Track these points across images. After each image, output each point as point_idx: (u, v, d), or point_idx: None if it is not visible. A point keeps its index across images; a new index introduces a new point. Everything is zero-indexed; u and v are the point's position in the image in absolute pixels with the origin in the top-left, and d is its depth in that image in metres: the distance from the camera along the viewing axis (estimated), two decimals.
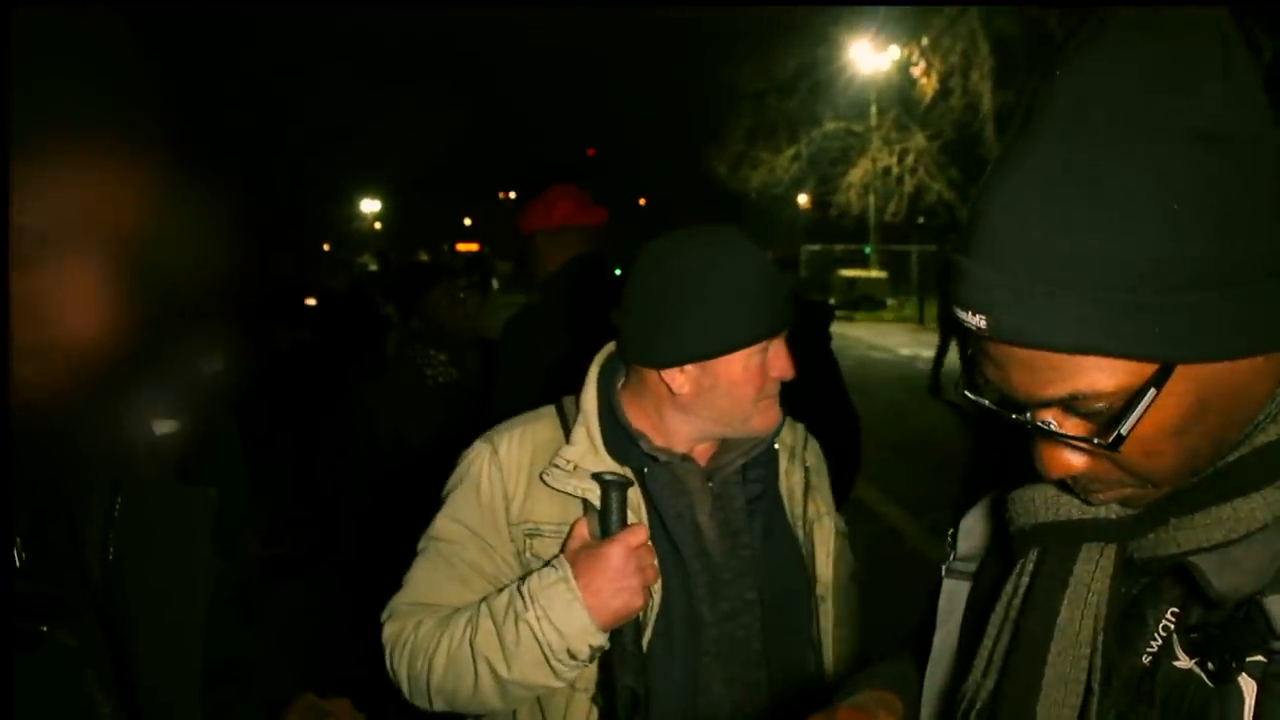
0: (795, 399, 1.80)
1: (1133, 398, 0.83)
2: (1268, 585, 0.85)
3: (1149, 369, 0.82)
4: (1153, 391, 0.82)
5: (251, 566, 3.66)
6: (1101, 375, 0.83)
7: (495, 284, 8.37)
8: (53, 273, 0.73)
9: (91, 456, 0.94)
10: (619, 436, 1.70)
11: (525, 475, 1.68)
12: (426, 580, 1.69)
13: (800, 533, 1.76)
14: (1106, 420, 0.85)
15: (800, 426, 1.86)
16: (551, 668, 1.56)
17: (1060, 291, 0.81)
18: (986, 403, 0.93)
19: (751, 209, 28.40)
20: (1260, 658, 0.85)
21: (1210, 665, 0.86)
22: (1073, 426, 0.89)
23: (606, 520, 1.61)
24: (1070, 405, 0.87)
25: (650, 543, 1.61)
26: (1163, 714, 0.90)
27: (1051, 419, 0.89)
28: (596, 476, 1.63)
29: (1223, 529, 0.88)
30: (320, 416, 4.40)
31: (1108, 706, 0.95)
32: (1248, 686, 0.85)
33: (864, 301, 29.91)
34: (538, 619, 1.55)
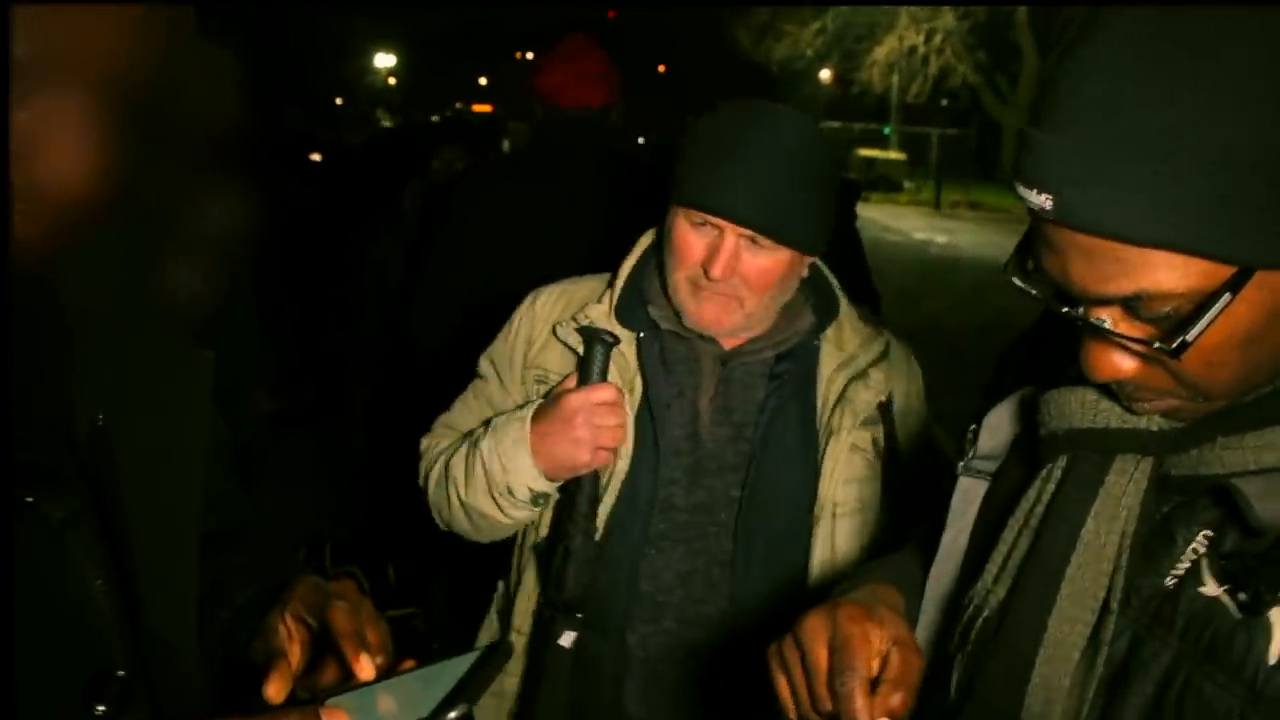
0: None
1: (1204, 302, 0.77)
2: None
3: (1225, 272, 0.76)
4: (1227, 296, 0.76)
5: (259, 422, 3.67)
6: (1173, 274, 0.77)
7: (506, 145, 8.22)
8: (37, 109, 0.67)
9: (82, 314, 0.89)
10: (632, 300, 1.67)
11: (549, 326, 1.72)
12: (458, 406, 1.81)
13: (820, 444, 1.63)
14: (1171, 324, 0.80)
15: (889, 342, 1.71)
16: (495, 500, 1.62)
17: (1141, 173, 0.74)
18: (1034, 292, 0.87)
19: (773, 82, 27.76)
20: None
21: (1241, 596, 0.82)
22: (1131, 328, 0.83)
23: (583, 374, 1.62)
24: (1132, 305, 0.81)
25: (628, 409, 1.60)
26: (1181, 640, 0.86)
27: (1108, 317, 0.83)
28: (581, 329, 1.65)
29: (1276, 453, 0.83)
30: (329, 270, 4.38)
31: (1123, 626, 0.91)
32: (1277, 620, 0.81)
33: (881, 182, 29.42)
34: (489, 449, 1.61)
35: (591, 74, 2.90)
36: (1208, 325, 0.78)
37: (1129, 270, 0.78)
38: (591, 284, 1.75)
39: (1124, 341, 0.84)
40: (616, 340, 1.63)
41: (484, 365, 1.80)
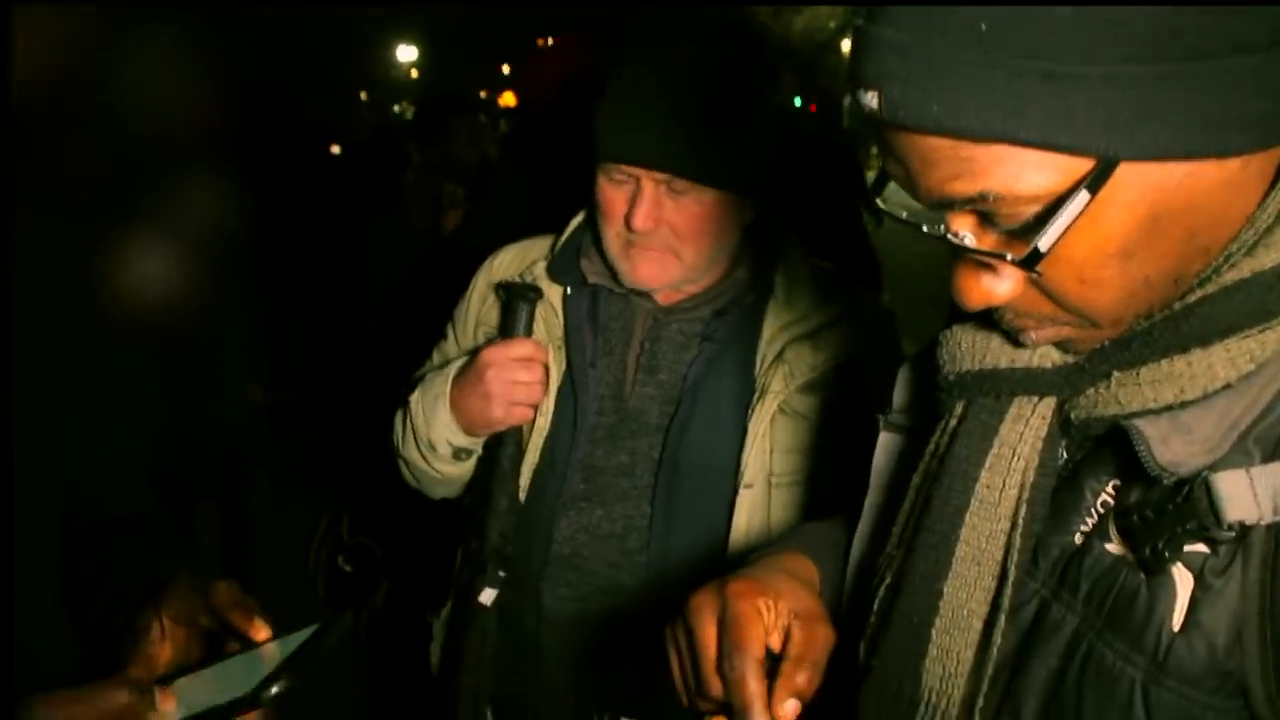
0: (813, 244, 1.65)
1: (1057, 203, 0.66)
2: (1221, 460, 0.69)
3: (1084, 166, 0.65)
4: (1084, 195, 0.65)
5: (254, 415, 3.64)
6: (1023, 171, 0.66)
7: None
8: None
9: None
10: (569, 257, 1.61)
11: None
12: (425, 366, 1.79)
13: (753, 408, 1.51)
14: (1031, 233, 0.69)
15: (856, 306, 1.59)
16: (422, 454, 1.62)
17: (967, 57, 0.63)
18: (903, 213, 0.76)
19: (795, 55, 27.45)
20: (1201, 547, 0.70)
21: (1143, 552, 0.72)
22: (988, 240, 0.72)
23: (503, 329, 1.61)
24: (984, 210, 0.70)
25: (552, 366, 1.57)
26: (1085, 606, 0.76)
27: (967, 231, 0.72)
28: (501, 284, 1.64)
29: (1174, 387, 0.71)
30: (338, 262, 4.33)
31: (1032, 591, 0.81)
32: (1182, 580, 0.71)
33: None
34: (416, 404, 1.61)
35: (548, 66, 3.04)
36: (1064, 230, 0.66)
37: (973, 169, 0.67)
38: (548, 241, 1.69)
39: (979, 256, 0.73)
40: (538, 295, 1.58)
41: (447, 325, 1.78)
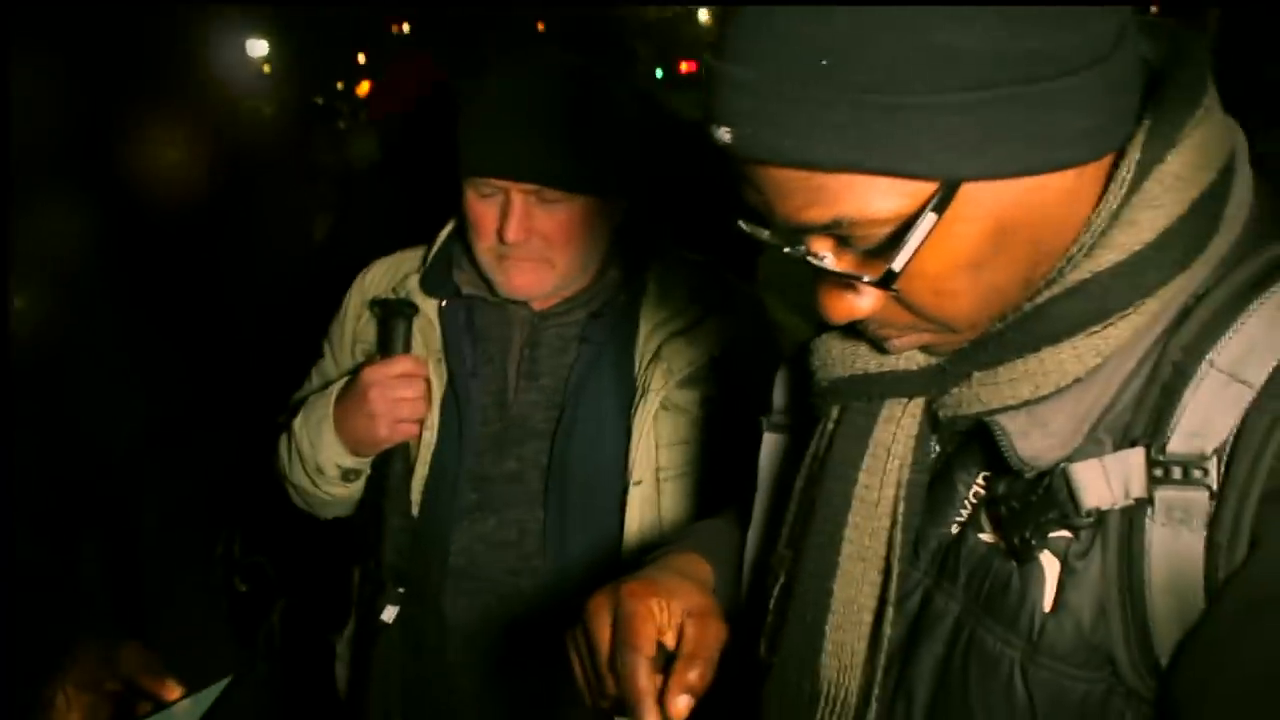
0: (682, 228, 1.68)
1: (908, 224, 0.70)
2: (1077, 451, 0.75)
3: (930, 189, 0.69)
4: (932, 217, 0.69)
5: (133, 435, 3.54)
6: (873, 197, 0.70)
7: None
8: None
9: None
10: (440, 269, 1.61)
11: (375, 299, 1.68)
12: (305, 386, 1.77)
13: (635, 407, 1.53)
14: (886, 254, 0.73)
15: (730, 295, 1.62)
16: (310, 478, 1.61)
17: (811, 93, 0.66)
18: (766, 235, 0.79)
19: (651, 30, 27.53)
20: (1064, 533, 0.75)
21: (1012, 540, 0.77)
22: (845, 262, 0.75)
23: (381, 347, 1.60)
24: (841, 236, 0.73)
25: (433, 379, 1.56)
26: (965, 594, 0.81)
27: (826, 251, 0.76)
28: (374, 301, 1.63)
29: (1029, 384, 0.76)
30: (201, 274, 4.21)
31: (916, 581, 0.85)
32: (1049, 565, 0.76)
33: None
34: (300, 428, 1.59)
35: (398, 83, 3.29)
36: (915, 250, 0.70)
37: (826, 197, 0.71)
38: (418, 254, 1.68)
39: (839, 277, 0.76)
40: (414, 310, 1.58)
41: (323, 343, 1.76)
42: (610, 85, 1.54)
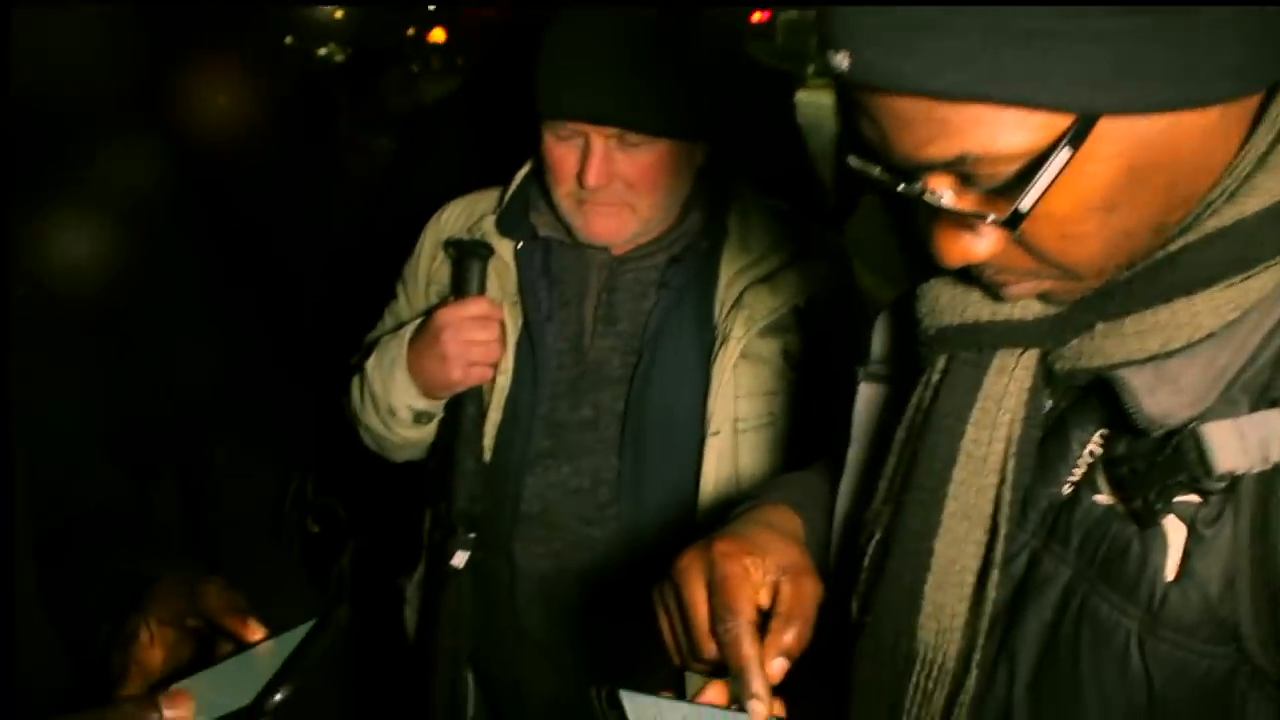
0: (757, 176, 1.62)
1: (1038, 161, 0.65)
2: (1209, 410, 0.69)
3: (1064, 123, 0.64)
4: (1066, 152, 0.64)
5: (209, 378, 3.58)
6: (1002, 131, 0.64)
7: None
8: None
9: None
10: (516, 210, 1.57)
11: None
12: (379, 328, 1.75)
13: (715, 355, 1.49)
14: (1012, 193, 0.67)
15: (814, 242, 1.56)
16: (382, 420, 1.59)
17: (938, 15, 0.61)
18: (876, 171, 0.74)
19: None
20: (1193, 497, 0.70)
21: (1134, 504, 0.71)
22: (967, 201, 0.70)
23: (456, 288, 1.57)
24: (964, 173, 0.68)
25: (508, 322, 1.54)
26: (1078, 558, 0.76)
27: (945, 189, 0.70)
28: (450, 242, 1.60)
29: (1159, 337, 0.71)
30: (274, 217, 4.23)
31: (1023, 543, 0.81)
32: (1174, 531, 0.71)
33: None
34: (373, 369, 1.58)
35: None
36: (1046, 189, 0.65)
37: (950, 131, 0.65)
38: (494, 194, 1.64)
39: (960, 217, 0.71)
40: (490, 252, 1.55)
41: (397, 284, 1.74)
42: (690, 27, 1.49)
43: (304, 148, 4.87)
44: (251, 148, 4.68)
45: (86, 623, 1.07)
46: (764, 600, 0.93)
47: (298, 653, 0.92)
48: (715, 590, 0.91)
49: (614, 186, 1.43)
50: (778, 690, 0.88)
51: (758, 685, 0.86)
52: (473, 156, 2.56)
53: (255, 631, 0.97)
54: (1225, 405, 0.69)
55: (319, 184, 3.95)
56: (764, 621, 0.92)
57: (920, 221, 0.77)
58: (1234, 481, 0.68)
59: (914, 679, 0.83)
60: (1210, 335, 0.70)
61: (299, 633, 0.95)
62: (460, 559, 1.57)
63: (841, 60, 0.66)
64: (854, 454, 1.03)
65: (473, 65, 3.20)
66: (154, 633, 1.00)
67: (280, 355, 4.19)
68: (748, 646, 0.88)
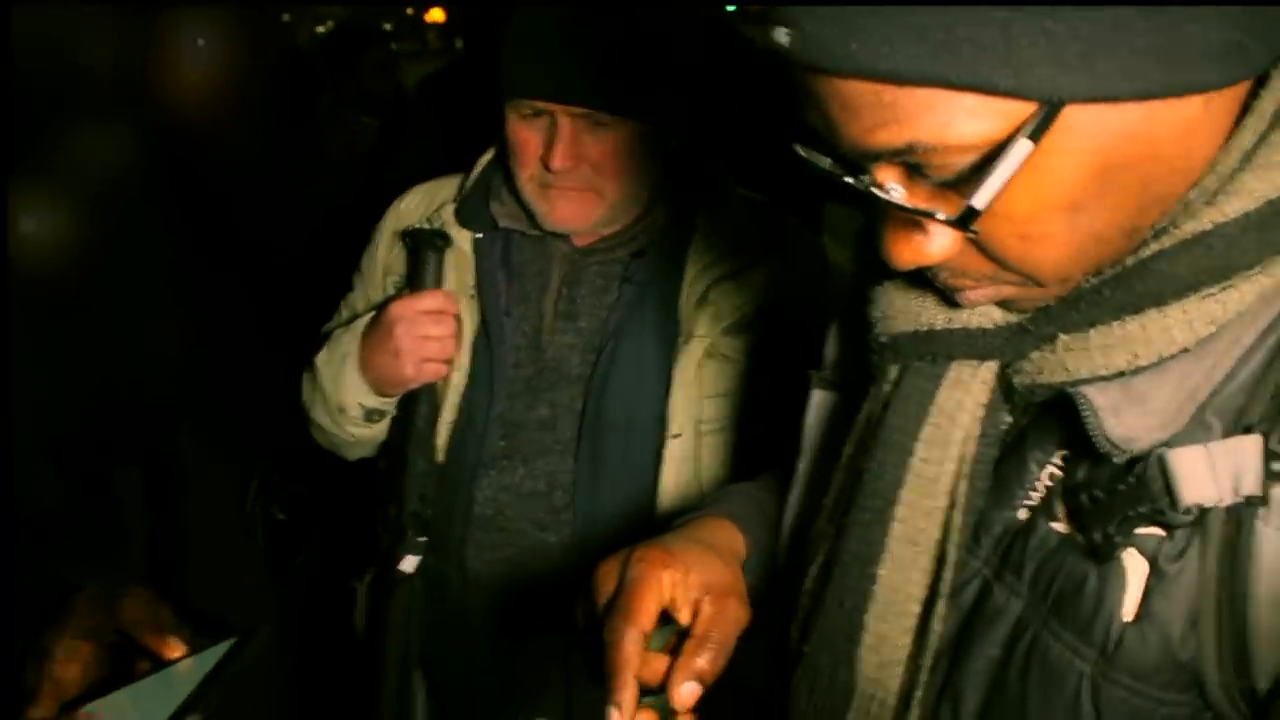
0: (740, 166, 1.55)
1: (995, 153, 0.58)
2: (1178, 434, 0.62)
3: (1025, 111, 0.57)
4: (1026, 144, 0.57)
5: (177, 364, 3.52)
6: (955, 118, 0.57)
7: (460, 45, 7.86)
8: None
9: None
10: (477, 199, 1.51)
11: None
12: (333, 321, 1.68)
13: (677, 353, 1.42)
14: (965, 186, 0.60)
15: (786, 240, 1.51)
16: (332, 417, 1.54)
17: None
18: (826, 163, 0.67)
19: None
20: (1155, 531, 0.63)
21: (1092, 535, 0.65)
22: (920, 196, 0.63)
23: (411, 280, 1.51)
24: (913, 162, 0.61)
25: (465, 317, 1.47)
26: (1030, 591, 0.69)
27: (894, 183, 0.63)
28: (405, 232, 1.53)
29: (1126, 352, 0.64)
30: (250, 198, 4.16)
31: (974, 570, 0.74)
32: (1134, 566, 0.64)
33: None
34: (323, 364, 1.52)
35: None
36: (1003, 185, 0.58)
37: (900, 116, 0.58)
38: (456, 181, 1.58)
39: (909, 213, 0.64)
40: (446, 242, 1.48)
41: (355, 275, 1.67)
42: (668, 6, 1.42)
43: (284, 127, 4.80)
44: (227, 125, 4.60)
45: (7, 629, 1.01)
46: (684, 618, 0.86)
47: (215, 673, 0.88)
48: (618, 594, 0.85)
49: (580, 170, 1.37)
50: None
51: (623, 694, 0.79)
52: (455, 138, 2.50)
53: (174, 649, 0.92)
54: (1196, 429, 0.63)
55: (297, 164, 3.87)
56: (681, 642, 0.86)
57: (873, 218, 0.71)
58: (1202, 514, 0.62)
59: (850, 715, 0.77)
60: (1183, 351, 0.63)
61: (218, 651, 0.90)
62: (410, 564, 1.51)
63: (783, 36, 0.60)
64: (803, 466, 0.96)
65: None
66: (68, 649, 0.95)
67: (248, 342, 4.13)
68: (625, 650, 0.80)
